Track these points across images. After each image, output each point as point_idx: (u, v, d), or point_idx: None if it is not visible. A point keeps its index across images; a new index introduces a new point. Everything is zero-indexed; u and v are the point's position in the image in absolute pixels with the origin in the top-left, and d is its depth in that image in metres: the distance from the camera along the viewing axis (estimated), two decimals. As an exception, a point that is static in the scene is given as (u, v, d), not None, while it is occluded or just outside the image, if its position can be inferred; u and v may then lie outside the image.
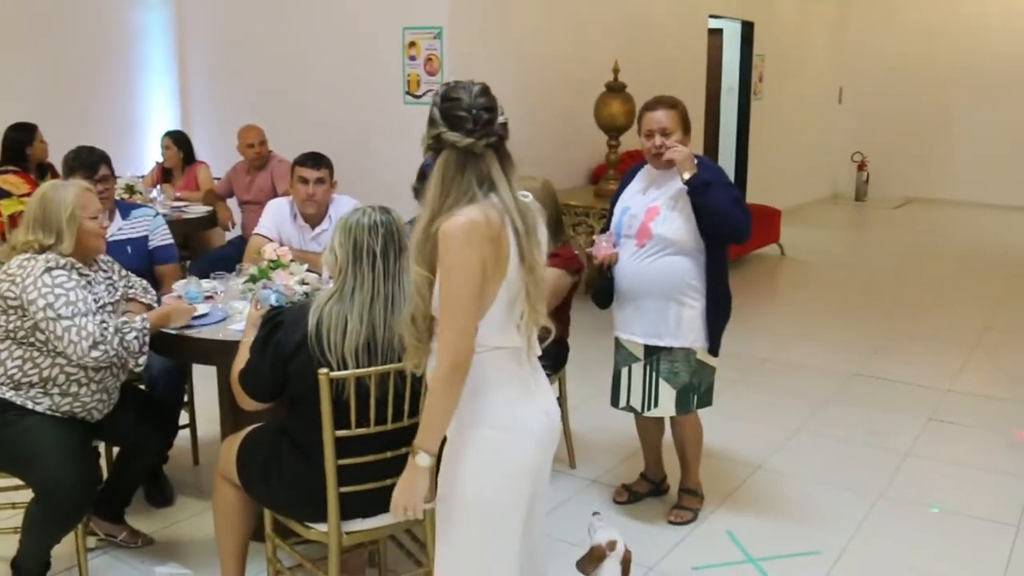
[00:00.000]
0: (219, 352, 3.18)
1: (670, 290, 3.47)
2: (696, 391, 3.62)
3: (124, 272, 3.41)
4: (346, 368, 2.53)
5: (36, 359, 3.01)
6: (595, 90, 7.17)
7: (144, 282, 3.52)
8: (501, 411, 2.21)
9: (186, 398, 4.09)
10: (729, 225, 3.41)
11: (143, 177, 6.94)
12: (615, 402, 3.75)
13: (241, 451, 2.85)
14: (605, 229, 3.69)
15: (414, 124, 2.96)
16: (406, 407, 2.64)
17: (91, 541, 3.44)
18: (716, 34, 10.80)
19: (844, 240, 11.37)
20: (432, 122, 2.15)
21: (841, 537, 3.68)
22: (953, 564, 3.53)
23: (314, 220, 4.41)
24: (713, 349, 3.58)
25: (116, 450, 3.60)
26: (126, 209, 4.11)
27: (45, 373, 3.02)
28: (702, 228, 3.43)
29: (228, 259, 4.78)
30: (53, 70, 7.47)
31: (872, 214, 12.72)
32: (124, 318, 3.15)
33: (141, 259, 3.98)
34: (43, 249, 3.04)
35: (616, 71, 7.10)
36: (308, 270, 3.53)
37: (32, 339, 2.99)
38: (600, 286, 3.64)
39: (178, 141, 7.08)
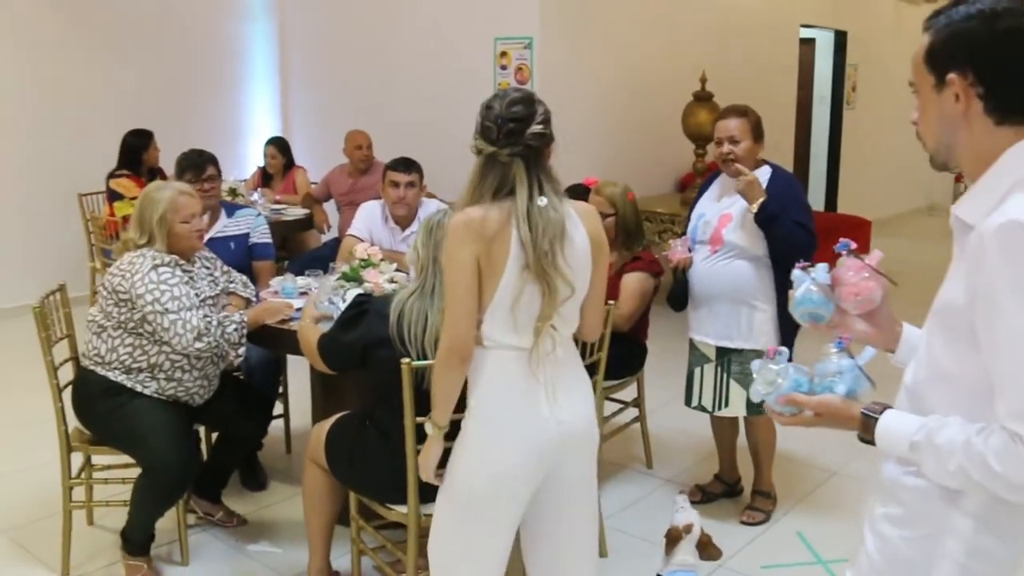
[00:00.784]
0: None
1: (741, 294, 3.54)
2: (766, 393, 3.66)
3: (225, 268, 3.63)
4: (426, 359, 2.65)
5: (145, 347, 3.23)
6: (683, 99, 7.17)
7: (244, 277, 3.73)
8: (489, 407, 2.26)
9: (280, 389, 4.29)
10: (789, 253, 3.40)
11: (244, 181, 7.20)
12: (688, 401, 3.84)
13: (329, 436, 3.02)
14: (683, 235, 3.80)
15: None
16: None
17: (191, 518, 3.66)
18: (808, 43, 10.71)
19: (936, 252, 11.04)
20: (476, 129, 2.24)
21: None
22: None
23: (404, 222, 4.53)
24: (785, 353, 3.62)
25: (216, 436, 3.82)
26: (231, 209, 4.37)
27: (153, 360, 3.25)
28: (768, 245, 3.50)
29: (324, 259, 4.85)
30: (166, 81, 7.88)
31: (969, 226, 12.33)
32: (225, 312, 3.38)
33: (242, 255, 4.20)
34: (139, 247, 3.25)
35: (703, 80, 7.11)
36: (396, 269, 3.73)
37: (141, 329, 3.21)
38: (675, 289, 3.73)
39: (281, 148, 7.30)
